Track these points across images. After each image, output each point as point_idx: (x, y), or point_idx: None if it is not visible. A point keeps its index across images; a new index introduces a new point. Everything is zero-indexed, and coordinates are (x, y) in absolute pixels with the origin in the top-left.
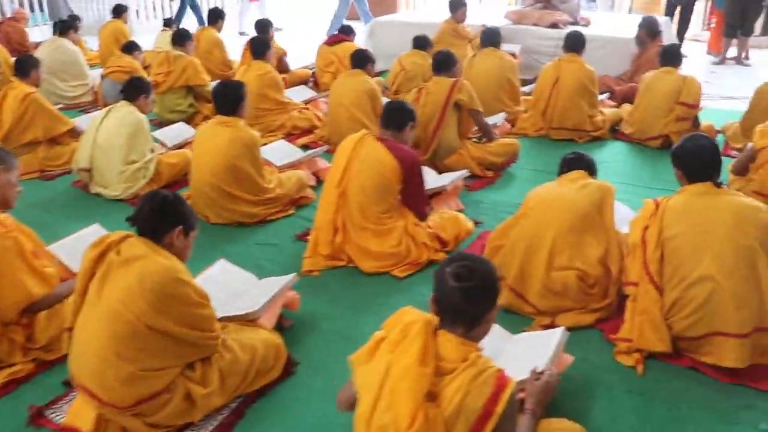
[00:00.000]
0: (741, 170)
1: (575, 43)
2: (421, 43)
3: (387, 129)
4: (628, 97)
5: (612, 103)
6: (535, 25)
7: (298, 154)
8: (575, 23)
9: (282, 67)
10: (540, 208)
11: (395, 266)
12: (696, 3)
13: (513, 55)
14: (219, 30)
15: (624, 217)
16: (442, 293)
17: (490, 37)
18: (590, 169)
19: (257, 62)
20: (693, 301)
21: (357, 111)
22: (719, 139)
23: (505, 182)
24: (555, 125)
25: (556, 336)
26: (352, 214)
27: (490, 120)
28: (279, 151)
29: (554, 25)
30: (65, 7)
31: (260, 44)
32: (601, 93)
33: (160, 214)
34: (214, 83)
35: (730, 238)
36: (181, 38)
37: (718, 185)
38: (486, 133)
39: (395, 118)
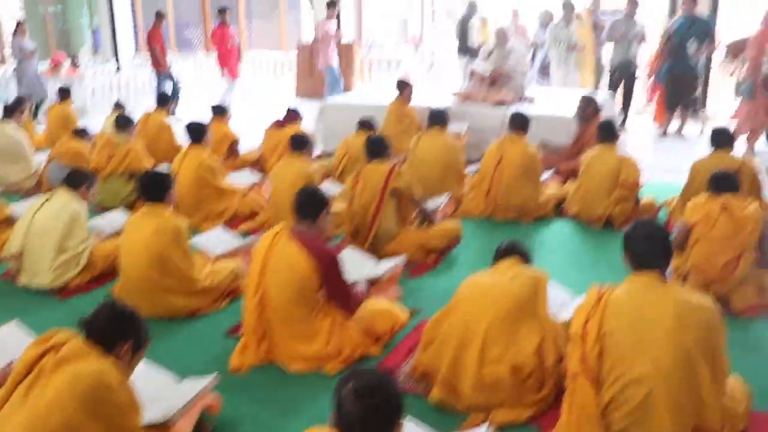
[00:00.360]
0: (678, 246)
1: (519, 123)
2: (366, 125)
3: (302, 220)
4: (573, 174)
5: (557, 180)
6: (482, 102)
7: (235, 242)
8: (521, 101)
9: (232, 153)
10: (472, 299)
11: (326, 365)
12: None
13: (459, 134)
14: (168, 113)
15: (562, 302)
16: (342, 414)
17: (437, 118)
18: (524, 257)
19: (194, 147)
20: (628, 402)
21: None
22: (662, 214)
23: (447, 267)
24: (499, 207)
25: None
26: (273, 320)
27: (433, 202)
28: (215, 240)
29: (500, 103)
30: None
31: (197, 130)
32: (546, 170)
33: (116, 323)
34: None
35: (669, 339)
36: (124, 122)
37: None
38: (426, 218)
39: (309, 207)
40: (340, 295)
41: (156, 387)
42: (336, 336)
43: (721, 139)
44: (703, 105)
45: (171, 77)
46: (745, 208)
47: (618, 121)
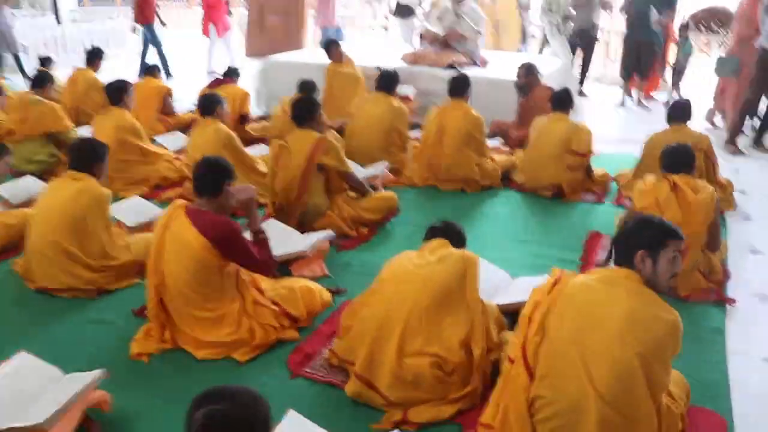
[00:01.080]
0: None
1: (459, 88)
2: (306, 86)
3: (200, 196)
4: (522, 143)
5: (505, 149)
6: (431, 66)
7: (154, 212)
8: (474, 64)
9: (165, 107)
10: (393, 284)
11: (236, 351)
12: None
13: (407, 98)
14: (96, 70)
15: (499, 283)
16: None
17: (384, 81)
18: (456, 238)
19: (115, 109)
20: (554, 405)
21: None
22: (612, 187)
23: (382, 240)
24: (442, 177)
25: None
26: (175, 304)
27: (370, 170)
28: (132, 210)
29: (451, 66)
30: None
31: (116, 89)
32: (494, 137)
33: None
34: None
35: (609, 350)
36: (40, 80)
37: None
38: (359, 190)
39: (207, 181)
40: (249, 264)
41: (39, 383)
42: (247, 319)
43: (679, 112)
44: (662, 74)
45: (153, 32)
46: (698, 191)
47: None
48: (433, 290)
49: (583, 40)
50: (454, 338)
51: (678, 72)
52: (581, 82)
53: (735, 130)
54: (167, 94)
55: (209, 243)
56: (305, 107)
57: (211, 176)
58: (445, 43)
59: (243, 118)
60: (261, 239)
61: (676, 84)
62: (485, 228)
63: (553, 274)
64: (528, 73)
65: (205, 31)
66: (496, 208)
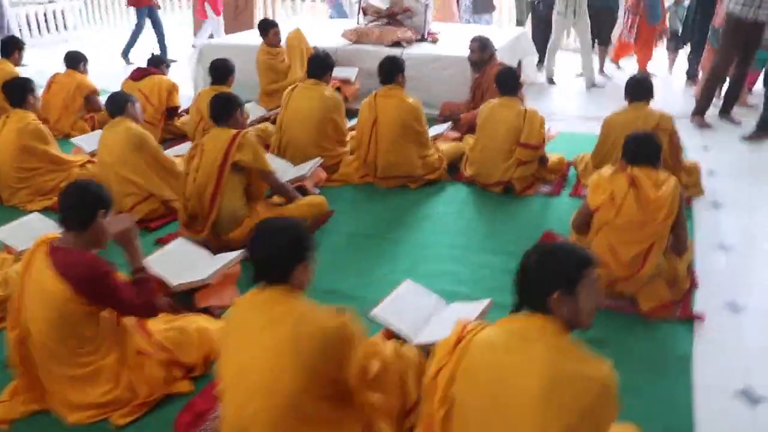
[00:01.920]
0: (580, 227)
1: (389, 72)
2: (217, 71)
3: (67, 231)
4: (473, 128)
5: (455, 134)
6: (375, 44)
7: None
8: (422, 40)
9: (92, 105)
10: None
11: (113, 413)
12: None
13: (348, 81)
14: (16, 63)
15: (431, 313)
16: None
17: (317, 66)
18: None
19: (17, 111)
20: None
21: (123, 169)
22: (571, 173)
23: None
24: (380, 174)
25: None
26: (41, 360)
27: (298, 169)
28: (25, 231)
29: (397, 44)
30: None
31: (16, 88)
32: (445, 121)
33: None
34: None
35: (529, 428)
36: None
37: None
38: (284, 194)
39: (74, 213)
40: (124, 308)
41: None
42: (127, 373)
43: (638, 90)
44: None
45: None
46: (659, 186)
47: (536, 61)
48: (283, 395)
49: (546, 8)
50: None
51: (675, 38)
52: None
53: (702, 102)
54: (92, 92)
55: (71, 289)
56: (222, 105)
57: (79, 206)
58: (390, 17)
59: (171, 112)
60: (142, 279)
61: (673, 51)
62: (425, 234)
63: (456, 328)
64: (482, 47)
65: (202, 13)
66: (439, 207)
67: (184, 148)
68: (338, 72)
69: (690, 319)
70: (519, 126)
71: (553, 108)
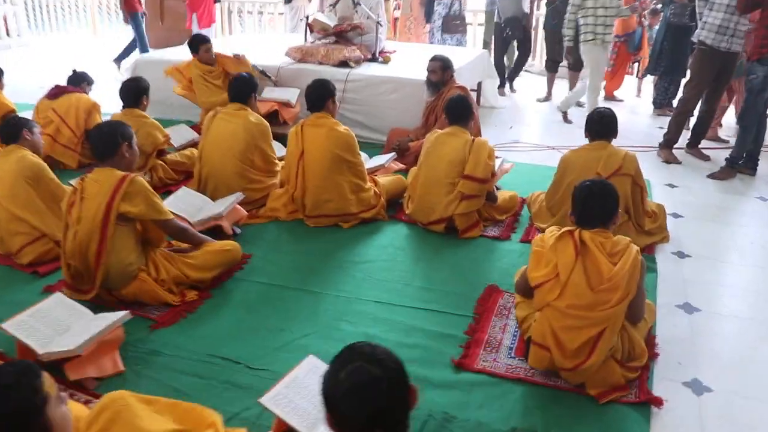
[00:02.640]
0: (525, 292)
1: (318, 98)
2: (130, 95)
3: None
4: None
5: (400, 166)
6: (321, 63)
7: None
8: (374, 60)
9: None
10: None
11: None
12: None
13: (288, 104)
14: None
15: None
16: None
17: (240, 90)
18: None
19: None
20: None
21: (13, 204)
22: (524, 213)
23: (213, 310)
24: (309, 212)
25: None
26: None
27: (215, 206)
28: None
29: (344, 63)
30: None
31: None
32: (391, 150)
33: None
34: None
35: None
36: None
37: None
38: (186, 241)
39: None
40: None
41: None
42: None
43: (600, 127)
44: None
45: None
46: (615, 256)
47: (500, 83)
48: None
49: (514, 31)
50: None
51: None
52: (512, 79)
53: (670, 134)
54: (8, 111)
55: None
56: (103, 141)
57: None
58: (339, 35)
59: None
60: None
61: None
62: (352, 285)
63: None
64: (444, 67)
65: (188, 24)
66: (372, 251)
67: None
68: (278, 93)
69: (648, 403)
70: (464, 157)
71: (516, 135)
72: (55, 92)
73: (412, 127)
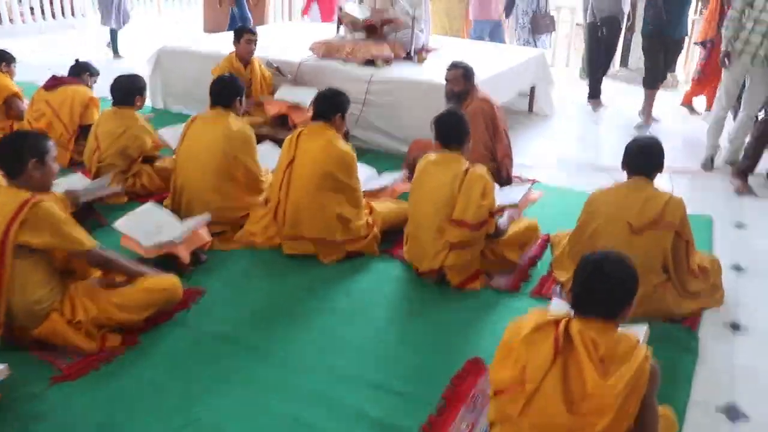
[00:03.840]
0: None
1: (323, 106)
2: (122, 94)
3: None
4: None
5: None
6: (346, 61)
7: None
8: (408, 58)
9: (12, 111)
10: None
11: None
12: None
13: (300, 106)
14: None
15: None
16: None
17: (222, 92)
18: None
19: None
20: None
21: None
22: (547, 255)
23: (137, 362)
24: (287, 231)
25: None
26: None
27: (172, 230)
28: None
29: (370, 62)
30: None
31: None
32: (411, 165)
33: None
34: None
35: None
36: None
37: None
38: (117, 272)
39: None
40: None
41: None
42: None
43: (640, 159)
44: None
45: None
46: (612, 362)
47: (591, 93)
48: None
49: (610, 30)
50: None
51: None
52: (598, 86)
53: (749, 160)
54: (13, 95)
55: None
56: (8, 152)
57: None
58: (369, 30)
59: (86, 130)
60: None
61: None
62: (309, 345)
63: None
64: (465, 76)
65: (305, 11)
66: (344, 299)
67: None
68: (293, 93)
69: None
70: (452, 194)
71: (563, 150)
72: (53, 83)
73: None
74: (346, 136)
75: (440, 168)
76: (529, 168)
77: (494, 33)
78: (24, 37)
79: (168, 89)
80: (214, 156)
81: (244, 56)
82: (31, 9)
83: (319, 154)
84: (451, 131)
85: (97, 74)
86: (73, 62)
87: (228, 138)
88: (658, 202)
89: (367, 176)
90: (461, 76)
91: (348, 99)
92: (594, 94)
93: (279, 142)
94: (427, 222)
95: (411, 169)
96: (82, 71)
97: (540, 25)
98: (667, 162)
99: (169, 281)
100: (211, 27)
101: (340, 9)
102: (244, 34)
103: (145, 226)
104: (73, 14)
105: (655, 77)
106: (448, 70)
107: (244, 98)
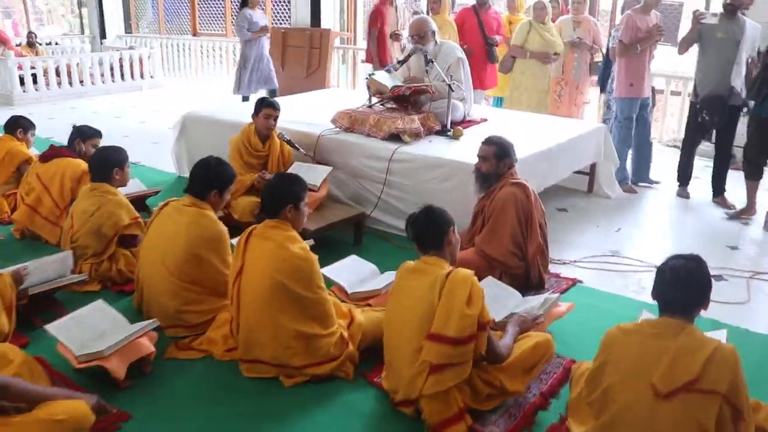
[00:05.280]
0: None
1: (276, 202)
2: (98, 169)
3: None
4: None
5: None
6: (369, 135)
7: None
8: (443, 132)
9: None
10: None
11: None
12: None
13: (312, 189)
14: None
15: None
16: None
17: (199, 178)
18: None
19: None
20: None
21: None
22: (564, 391)
23: None
24: (242, 354)
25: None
26: None
27: (100, 341)
28: None
29: (395, 137)
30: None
31: None
32: None
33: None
34: None
35: None
36: None
37: None
38: (13, 400)
39: None
40: None
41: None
42: None
43: (678, 288)
44: None
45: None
46: None
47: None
48: None
49: (715, 113)
50: None
51: None
52: (720, 184)
53: None
54: (25, 161)
55: None
56: None
57: None
58: (399, 98)
59: None
60: None
61: None
62: None
63: None
64: (500, 153)
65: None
66: None
67: None
68: (301, 172)
69: None
70: (432, 304)
71: (612, 242)
72: (48, 154)
73: (462, 229)
74: (304, 235)
75: (417, 277)
76: (571, 265)
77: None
78: (90, 98)
79: (192, 158)
80: (174, 254)
81: (263, 131)
82: (102, 74)
83: (268, 262)
84: (427, 234)
85: (98, 136)
86: (72, 128)
87: (196, 232)
88: (698, 358)
89: (363, 275)
90: (493, 155)
91: (304, 186)
92: (682, 180)
93: None
94: (403, 342)
95: None
96: (80, 137)
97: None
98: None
99: (73, 409)
100: (282, 91)
101: (369, 75)
102: (263, 108)
103: (85, 330)
104: (142, 76)
105: (759, 165)
106: (482, 144)
107: (228, 191)
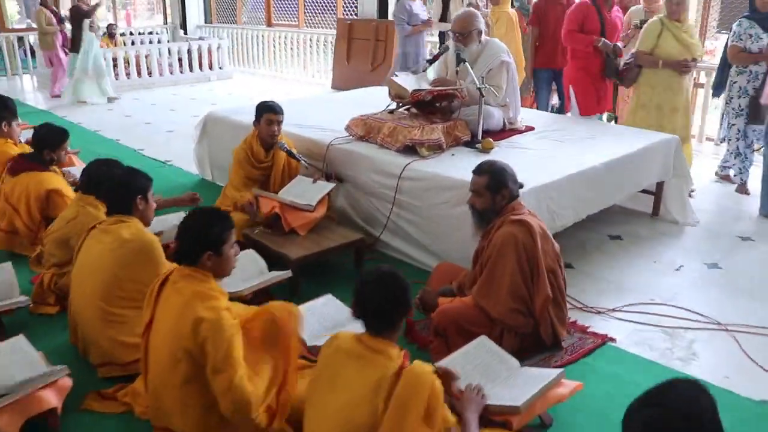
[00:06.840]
0: None
1: (193, 246)
2: (118, 196)
3: None
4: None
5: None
6: (382, 146)
7: None
8: (471, 144)
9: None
10: None
11: None
12: None
13: (306, 208)
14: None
15: None
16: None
17: (118, 194)
18: None
19: None
20: None
21: None
22: None
23: None
24: (155, 421)
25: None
26: None
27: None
28: None
29: (411, 149)
30: None
31: None
32: (426, 308)
33: None
34: None
35: None
36: None
37: None
38: None
39: None
40: None
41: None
42: None
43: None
44: None
45: None
46: None
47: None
48: None
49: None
50: None
51: None
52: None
53: None
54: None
55: None
56: None
57: None
58: (424, 105)
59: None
60: None
61: None
62: None
63: None
64: (495, 186)
65: None
66: None
67: None
68: (300, 188)
69: None
70: (375, 414)
71: (673, 284)
72: (16, 167)
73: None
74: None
75: (359, 365)
76: (607, 315)
77: None
78: (158, 89)
79: (214, 161)
80: (103, 276)
81: (266, 139)
82: (170, 65)
83: (173, 321)
84: (378, 309)
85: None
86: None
87: (122, 251)
88: None
89: (332, 323)
90: (485, 187)
91: (228, 225)
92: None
93: (266, 251)
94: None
95: (426, 307)
96: (47, 146)
97: (759, 111)
98: None
99: None
100: (336, 84)
101: (393, 76)
102: (264, 113)
103: None
104: (210, 67)
105: None
106: (474, 174)
107: (150, 193)
